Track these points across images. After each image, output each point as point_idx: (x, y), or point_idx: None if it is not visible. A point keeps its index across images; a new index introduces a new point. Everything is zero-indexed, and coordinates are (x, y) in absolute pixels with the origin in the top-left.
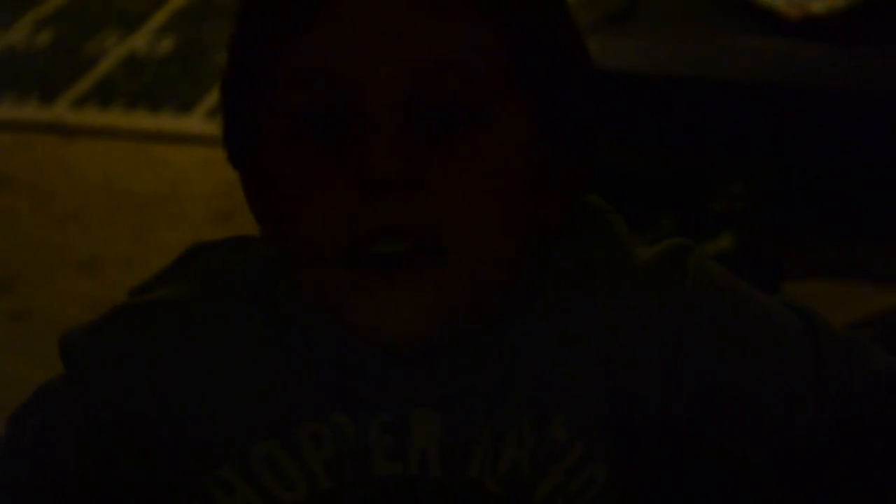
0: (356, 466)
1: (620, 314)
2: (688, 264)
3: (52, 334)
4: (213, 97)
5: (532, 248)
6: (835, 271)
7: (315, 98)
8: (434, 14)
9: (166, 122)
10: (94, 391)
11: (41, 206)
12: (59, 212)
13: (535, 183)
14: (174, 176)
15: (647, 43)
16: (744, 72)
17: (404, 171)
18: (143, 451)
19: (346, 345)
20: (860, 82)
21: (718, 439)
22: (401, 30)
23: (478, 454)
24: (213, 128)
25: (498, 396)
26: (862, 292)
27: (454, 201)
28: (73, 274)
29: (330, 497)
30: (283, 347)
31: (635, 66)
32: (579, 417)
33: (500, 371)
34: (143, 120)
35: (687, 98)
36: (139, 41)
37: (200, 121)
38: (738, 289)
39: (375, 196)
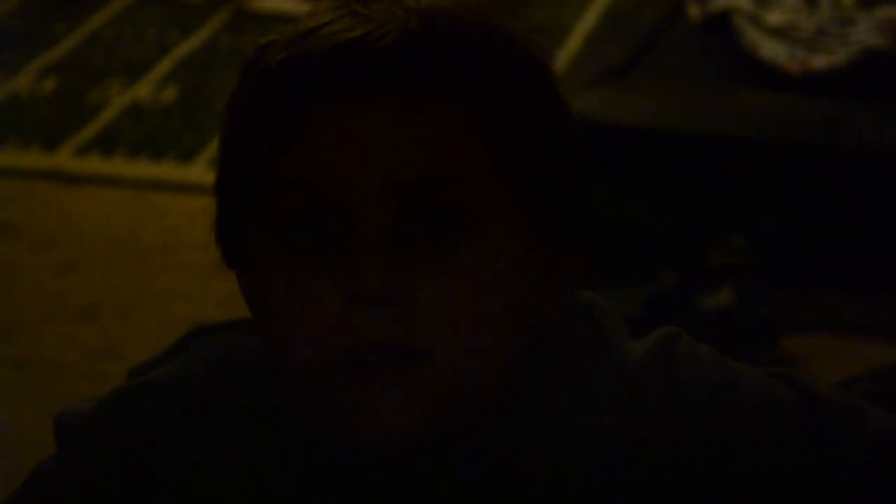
0: None
1: (616, 415)
2: (678, 355)
3: (52, 382)
4: (215, 147)
5: (525, 346)
6: (835, 325)
7: (303, 208)
8: (424, 124)
9: (168, 171)
10: (89, 477)
11: (42, 253)
12: (59, 259)
13: (531, 283)
14: (175, 225)
15: (648, 97)
16: (745, 126)
17: (392, 284)
18: None
19: (339, 446)
20: (861, 136)
21: None
22: (390, 141)
23: None
24: (215, 177)
25: (494, 501)
26: (863, 346)
27: (444, 311)
28: (72, 321)
29: None
30: (281, 437)
31: (636, 120)
32: None
33: (496, 475)
34: (145, 169)
35: (687, 152)
36: (142, 90)
37: (202, 170)
38: (729, 371)
39: (363, 308)
